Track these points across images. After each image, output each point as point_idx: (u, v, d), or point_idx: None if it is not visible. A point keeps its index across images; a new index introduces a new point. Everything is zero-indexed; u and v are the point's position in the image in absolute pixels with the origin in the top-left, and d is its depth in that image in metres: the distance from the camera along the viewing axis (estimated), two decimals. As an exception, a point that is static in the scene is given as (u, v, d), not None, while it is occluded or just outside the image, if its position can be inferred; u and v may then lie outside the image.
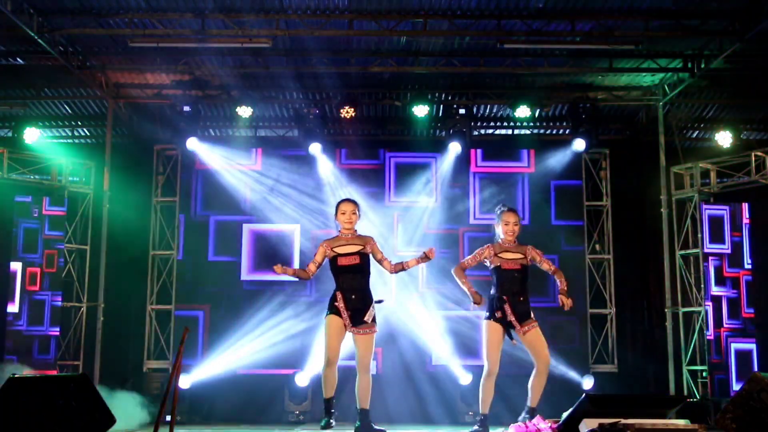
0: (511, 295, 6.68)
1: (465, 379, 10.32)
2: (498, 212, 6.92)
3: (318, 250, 6.73)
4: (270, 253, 10.60)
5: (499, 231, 6.85)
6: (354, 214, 6.69)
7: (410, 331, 10.51)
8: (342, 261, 6.61)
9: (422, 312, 10.59)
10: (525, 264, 6.77)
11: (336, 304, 6.57)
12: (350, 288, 6.58)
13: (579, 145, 10.76)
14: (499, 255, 6.76)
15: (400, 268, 6.73)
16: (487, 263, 6.83)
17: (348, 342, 6.68)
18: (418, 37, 9.50)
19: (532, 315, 6.76)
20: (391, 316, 10.09)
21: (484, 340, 6.76)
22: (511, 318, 6.65)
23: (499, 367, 6.72)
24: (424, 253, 6.63)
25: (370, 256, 6.71)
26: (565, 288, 6.75)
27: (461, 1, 8.78)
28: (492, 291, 6.81)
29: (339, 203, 6.81)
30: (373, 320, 6.60)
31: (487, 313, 6.76)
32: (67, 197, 10.51)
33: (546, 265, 6.83)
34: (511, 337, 6.77)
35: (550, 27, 9.19)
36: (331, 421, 6.59)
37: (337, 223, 6.78)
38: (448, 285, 10.73)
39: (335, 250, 6.65)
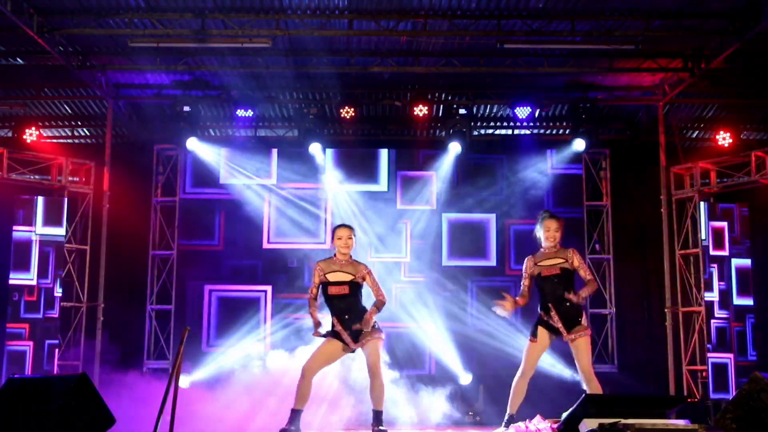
0: (555, 301, 6.69)
1: (465, 379, 10.32)
2: (540, 218, 6.94)
3: (314, 273, 6.84)
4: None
5: (541, 236, 6.87)
6: (350, 239, 6.80)
7: (411, 331, 10.50)
8: (332, 290, 6.72)
9: (424, 313, 10.62)
10: (566, 267, 6.73)
11: (335, 329, 6.69)
12: (343, 310, 6.69)
13: (579, 145, 10.76)
14: (539, 264, 6.79)
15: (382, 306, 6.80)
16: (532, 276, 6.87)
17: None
18: (418, 37, 9.49)
19: (584, 321, 6.72)
20: (392, 317, 10.11)
21: (528, 343, 6.82)
22: (559, 325, 6.67)
23: (533, 372, 6.77)
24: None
25: (363, 284, 6.79)
26: (585, 294, 6.67)
27: (461, 1, 8.78)
28: (539, 302, 6.86)
29: (335, 228, 6.93)
30: (374, 328, 6.66)
31: (536, 322, 6.84)
32: (67, 197, 10.50)
33: (582, 272, 6.79)
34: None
35: (550, 27, 9.18)
36: None
37: (333, 246, 6.88)
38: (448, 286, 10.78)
39: (327, 276, 6.75)
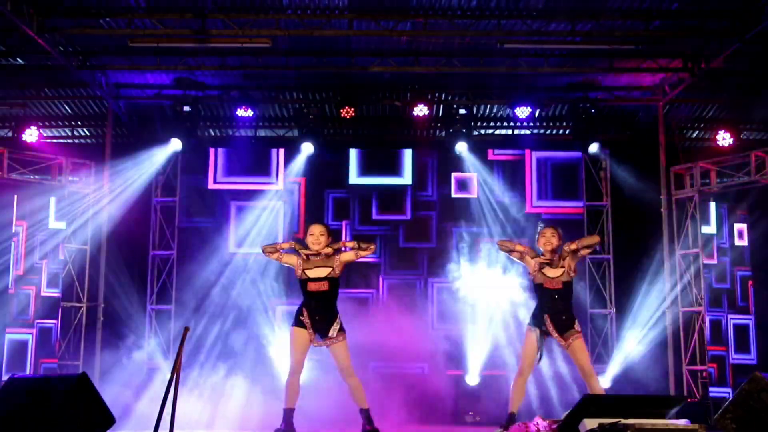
0: (552, 313, 6.76)
1: (467, 379, 10.33)
2: (538, 229, 7.04)
3: (295, 256, 6.75)
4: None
5: (539, 245, 6.92)
6: (322, 235, 6.75)
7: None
8: (311, 286, 6.69)
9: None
10: (567, 281, 6.78)
11: (301, 318, 6.69)
12: (316, 308, 6.69)
13: (594, 148, 10.76)
14: (542, 271, 6.80)
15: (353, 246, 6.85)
16: (530, 276, 6.91)
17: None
18: (418, 37, 9.50)
19: (576, 326, 6.78)
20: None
21: (524, 343, 6.89)
22: (554, 334, 6.74)
23: (531, 371, 6.82)
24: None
25: (339, 277, 6.77)
26: (572, 244, 6.76)
27: (461, 1, 8.78)
28: (535, 306, 6.91)
29: (309, 225, 6.92)
30: (339, 331, 6.69)
31: (530, 322, 6.88)
32: (67, 197, 10.50)
33: (572, 246, 6.79)
34: (540, 356, 6.84)
35: (550, 27, 9.19)
36: None
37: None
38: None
39: (306, 272, 6.71)
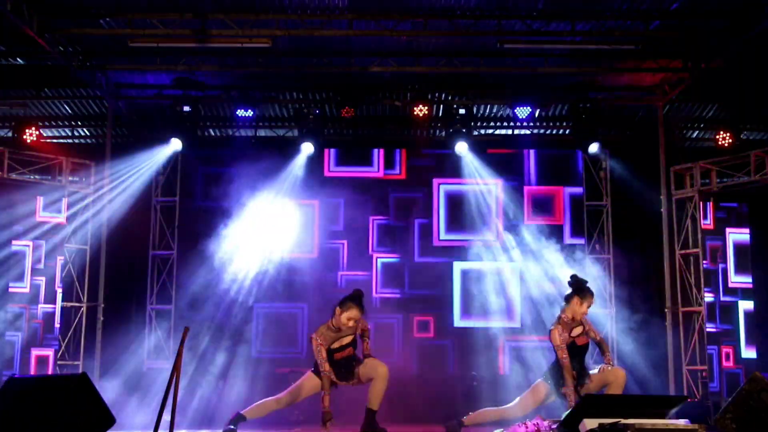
0: (577, 376, 6.78)
1: (468, 380, 10.34)
2: (581, 291, 7.02)
3: (318, 351, 6.70)
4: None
5: (576, 308, 6.94)
6: (357, 322, 6.83)
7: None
8: (337, 356, 6.77)
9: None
10: (591, 338, 7.00)
11: (325, 375, 6.69)
12: (342, 368, 6.79)
13: (593, 148, 10.76)
14: (571, 335, 6.88)
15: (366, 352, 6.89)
16: (561, 343, 6.84)
17: None
18: (418, 37, 9.50)
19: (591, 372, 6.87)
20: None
21: (530, 390, 6.93)
22: (572, 397, 6.66)
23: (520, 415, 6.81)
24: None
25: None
26: (611, 360, 6.91)
27: (461, 1, 8.78)
28: (555, 364, 6.88)
29: (349, 306, 6.78)
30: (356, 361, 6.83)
31: (544, 377, 6.92)
32: (67, 197, 10.49)
33: (594, 334, 7.05)
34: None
35: (550, 27, 9.19)
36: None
37: (337, 317, 6.78)
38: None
39: (331, 346, 6.75)
